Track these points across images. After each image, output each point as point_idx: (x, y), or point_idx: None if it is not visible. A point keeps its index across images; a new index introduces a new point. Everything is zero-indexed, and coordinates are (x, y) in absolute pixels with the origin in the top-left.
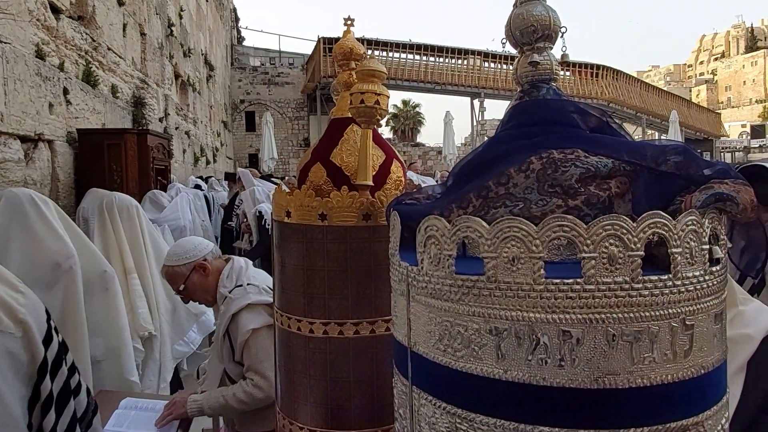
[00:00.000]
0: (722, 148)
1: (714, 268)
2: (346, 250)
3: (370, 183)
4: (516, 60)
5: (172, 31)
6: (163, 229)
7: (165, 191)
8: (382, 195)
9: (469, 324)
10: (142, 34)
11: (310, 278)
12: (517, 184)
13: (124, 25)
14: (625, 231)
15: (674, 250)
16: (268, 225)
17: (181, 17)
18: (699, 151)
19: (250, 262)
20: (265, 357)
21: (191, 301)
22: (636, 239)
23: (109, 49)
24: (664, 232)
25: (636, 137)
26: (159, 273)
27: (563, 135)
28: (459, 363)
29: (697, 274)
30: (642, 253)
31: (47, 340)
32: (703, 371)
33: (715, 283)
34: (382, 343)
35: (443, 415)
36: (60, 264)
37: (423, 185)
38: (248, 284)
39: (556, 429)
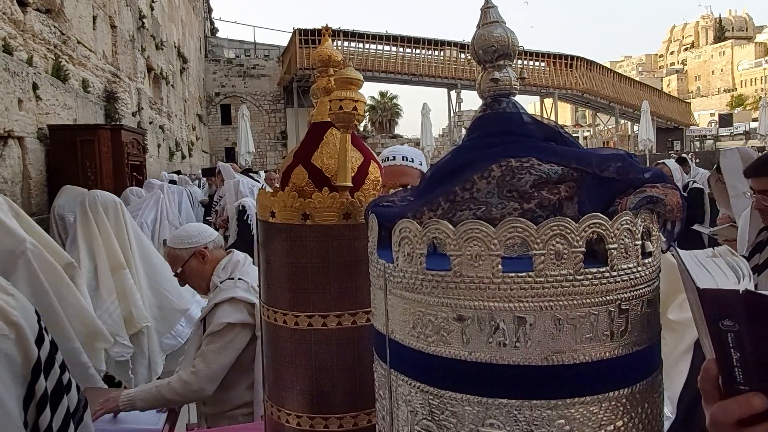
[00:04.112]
0: (692, 137)
1: (646, 260)
2: (328, 247)
3: (350, 184)
4: (479, 76)
5: (143, 23)
6: None
7: (141, 187)
8: (360, 195)
9: (439, 313)
10: (113, 26)
11: (294, 274)
12: (480, 190)
13: (94, 18)
14: (569, 231)
15: (611, 246)
16: (251, 220)
17: (152, 9)
18: (670, 139)
19: (249, 259)
20: (223, 351)
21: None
22: (578, 237)
23: (78, 42)
24: (602, 231)
25: (609, 126)
26: (144, 269)
27: (520, 145)
28: (430, 347)
29: (631, 266)
30: (583, 249)
31: (39, 341)
32: (637, 348)
33: (648, 273)
34: (362, 333)
35: (418, 393)
36: (13, 250)
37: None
38: (239, 279)
39: (513, 400)
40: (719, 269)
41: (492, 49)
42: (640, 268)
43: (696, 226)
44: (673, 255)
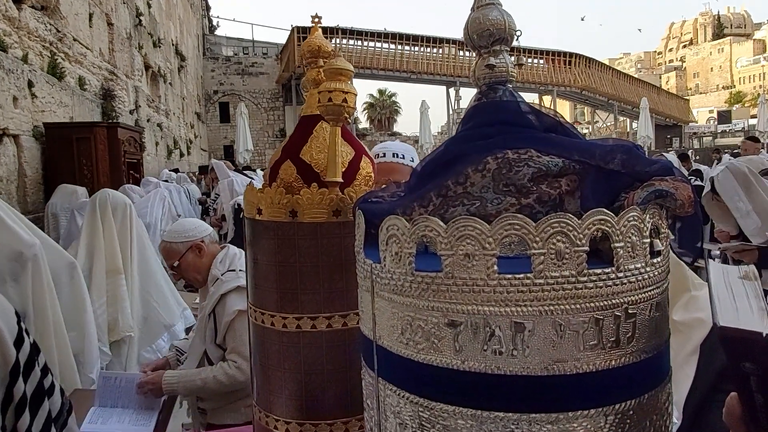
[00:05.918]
0: (691, 134)
1: (655, 260)
2: (317, 245)
3: (340, 180)
4: (473, 63)
5: (140, 20)
6: None
7: (138, 185)
8: (351, 191)
9: (429, 318)
10: (110, 24)
11: (282, 274)
12: (474, 184)
13: (90, 15)
14: (570, 228)
15: (617, 244)
16: None
17: (149, 6)
18: (669, 136)
19: (244, 252)
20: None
21: (181, 280)
22: (581, 235)
23: (75, 40)
24: (607, 228)
25: (608, 123)
26: (139, 277)
27: (518, 136)
28: (420, 355)
29: (639, 266)
30: (587, 248)
31: (18, 342)
32: (645, 356)
33: (656, 274)
34: (354, 336)
35: (407, 404)
36: (23, 253)
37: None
38: (240, 270)
39: (510, 414)
40: (746, 299)
41: (487, 33)
42: (648, 269)
43: (707, 244)
44: (703, 266)
